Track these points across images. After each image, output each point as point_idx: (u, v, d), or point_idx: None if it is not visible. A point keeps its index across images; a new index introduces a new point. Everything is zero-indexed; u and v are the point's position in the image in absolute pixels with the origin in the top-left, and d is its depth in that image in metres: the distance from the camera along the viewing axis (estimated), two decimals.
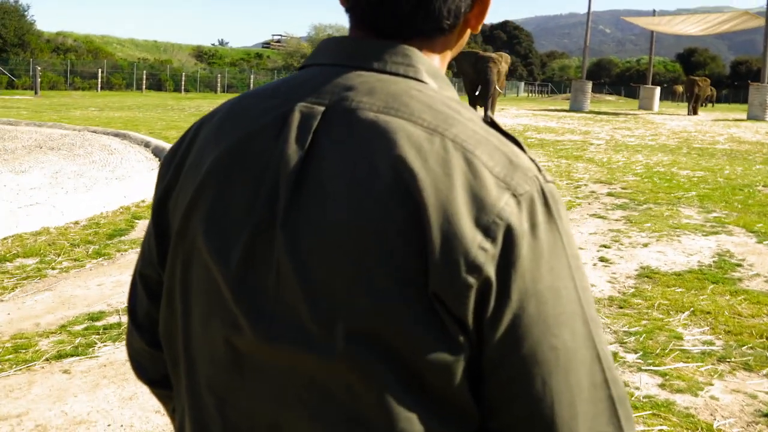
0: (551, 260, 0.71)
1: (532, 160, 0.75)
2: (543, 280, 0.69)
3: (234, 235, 0.75)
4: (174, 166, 0.85)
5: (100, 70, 40.09)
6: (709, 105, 53.68)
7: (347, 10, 0.82)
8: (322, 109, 0.74)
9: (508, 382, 0.70)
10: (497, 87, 20.52)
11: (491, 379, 0.70)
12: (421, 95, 0.75)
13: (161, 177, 0.87)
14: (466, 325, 0.69)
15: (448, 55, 0.87)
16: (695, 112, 37.88)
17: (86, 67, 40.98)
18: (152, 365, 0.96)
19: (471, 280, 0.67)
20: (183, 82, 45.47)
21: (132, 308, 0.96)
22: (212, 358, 0.78)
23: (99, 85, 39.53)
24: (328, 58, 0.81)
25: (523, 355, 0.69)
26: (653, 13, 47.73)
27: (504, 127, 0.78)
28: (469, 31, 0.87)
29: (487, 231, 0.67)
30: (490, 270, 0.67)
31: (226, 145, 0.78)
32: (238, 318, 0.74)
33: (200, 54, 59.41)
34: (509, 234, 0.68)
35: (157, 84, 43.73)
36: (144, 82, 42.43)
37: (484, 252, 0.67)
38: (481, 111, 19.32)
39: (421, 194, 0.67)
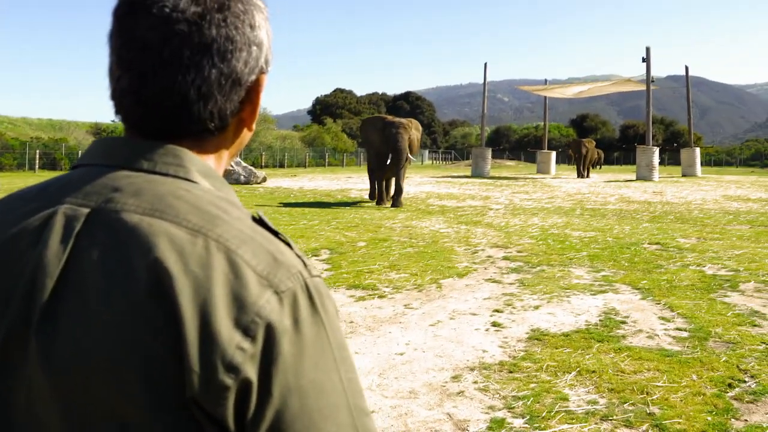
0: (315, 354, 0.72)
1: (299, 256, 0.77)
2: (306, 374, 0.71)
3: None
4: None
5: None
6: (597, 167, 55.61)
7: (116, 113, 0.83)
8: (86, 211, 0.74)
9: None
10: (410, 155, 18.14)
11: None
12: (189, 195, 0.76)
13: None
14: (227, 426, 0.68)
15: (225, 154, 0.89)
16: (587, 175, 39.16)
17: None
18: None
19: (228, 381, 0.67)
20: None
21: None
22: None
23: None
24: (99, 159, 0.81)
25: None
26: (545, 82, 50.38)
27: (272, 225, 0.79)
28: (246, 131, 0.89)
29: (247, 330, 0.68)
30: (250, 369, 0.68)
31: None
32: None
33: (99, 131, 58.09)
34: (269, 332, 0.69)
35: (51, 163, 42.23)
36: (37, 161, 40.93)
37: (242, 352, 0.68)
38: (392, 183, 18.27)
39: (177, 298, 0.67)
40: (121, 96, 0.80)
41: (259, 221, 0.79)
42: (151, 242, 0.70)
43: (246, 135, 0.90)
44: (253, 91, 0.85)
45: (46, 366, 0.68)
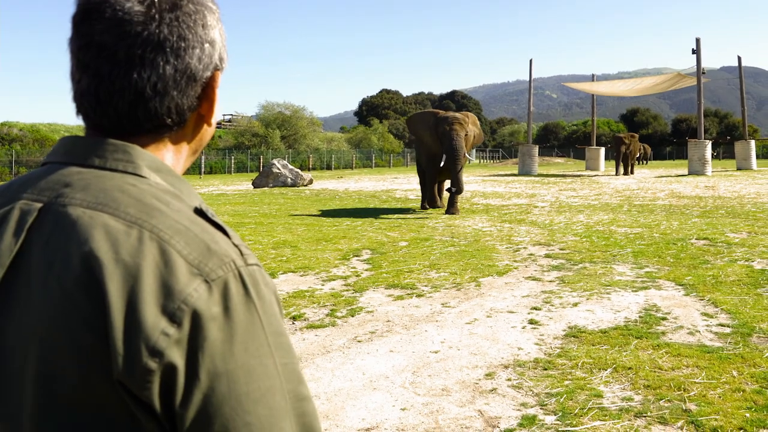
0: (246, 340, 0.75)
1: (236, 246, 0.80)
2: (235, 359, 0.74)
3: None
4: None
5: None
6: (643, 163, 52.58)
7: (77, 113, 0.88)
8: (39, 206, 0.79)
9: None
10: (466, 154, 15.46)
11: None
12: (134, 189, 0.80)
13: None
14: (155, 409, 0.72)
15: (185, 148, 0.93)
16: (631, 171, 37.14)
17: (32, 157, 40.53)
18: None
19: (152, 365, 0.70)
20: None
21: None
22: None
23: None
24: (59, 156, 0.86)
25: None
26: (592, 77, 49.61)
27: (213, 216, 0.83)
28: (206, 126, 0.94)
29: (172, 317, 0.72)
30: (175, 354, 0.71)
31: None
32: None
33: None
34: (196, 318, 0.72)
35: None
36: None
37: (166, 337, 0.71)
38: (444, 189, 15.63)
39: (105, 285, 0.71)
40: (81, 97, 0.85)
41: (199, 212, 0.82)
42: (88, 233, 0.74)
43: (207, 131, 0.94)
44: (209, 87, 0.90)
45: None
